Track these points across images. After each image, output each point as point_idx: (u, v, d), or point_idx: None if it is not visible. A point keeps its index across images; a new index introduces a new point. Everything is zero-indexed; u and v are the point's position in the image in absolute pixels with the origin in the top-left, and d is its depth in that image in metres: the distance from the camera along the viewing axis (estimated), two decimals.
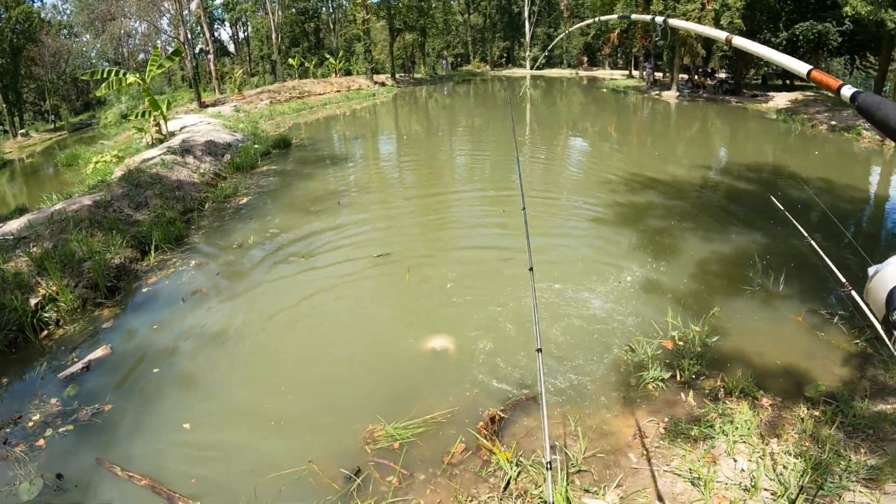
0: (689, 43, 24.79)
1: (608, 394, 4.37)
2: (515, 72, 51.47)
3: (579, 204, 9.66)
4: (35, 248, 6.91)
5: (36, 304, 5.94)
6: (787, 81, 26.10)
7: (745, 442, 3.67)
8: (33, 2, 33.85)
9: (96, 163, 13.00)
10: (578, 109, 27.30)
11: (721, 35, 1.52)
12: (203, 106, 25.83)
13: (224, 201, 10.62)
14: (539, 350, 1.60)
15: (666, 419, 4.01)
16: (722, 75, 28.84)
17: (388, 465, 3.65)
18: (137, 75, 15.64)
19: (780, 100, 21.64)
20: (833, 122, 16.38)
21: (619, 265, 6.81)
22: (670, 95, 27.12)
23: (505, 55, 57.74)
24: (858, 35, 20.39)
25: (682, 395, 4.32)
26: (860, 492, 3.19)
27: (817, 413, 3.97)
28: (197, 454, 3.91)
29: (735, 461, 3.51)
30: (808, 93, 22.49)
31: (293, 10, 48.08)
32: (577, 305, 5.72)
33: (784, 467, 3.40)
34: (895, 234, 8.54)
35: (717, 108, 23.39)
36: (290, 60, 39.89)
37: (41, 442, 4.04)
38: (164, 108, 16.21)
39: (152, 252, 7.75)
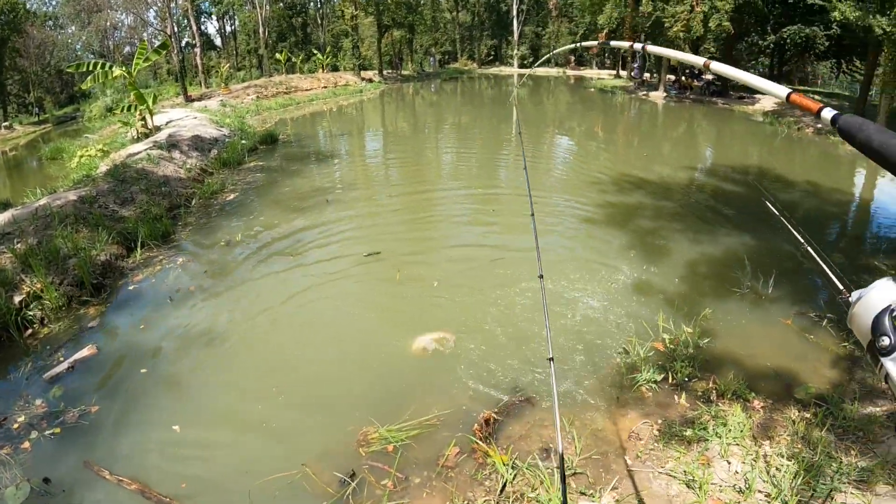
0: (677, 44, 24.94)
1: (602, 396, 4.38)
2: (503, 70, 51.51)
3: (570, 203, 9.69)
4: (19, 245, 6.76)
5: (20, 302, 5.80)
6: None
7: (738, 444, 3.69)
8: None
9: (81, 157, 12.77)
10: (566, 109, 27.40)
11: (699, 61, 1.51)
12: (189, 100, 25.50)
13: (211, 197, 10.50)
14: (551, 359, 1.58)
15: (660, 421, 4.03)
16: (709, 77, 29.05)
17: (382, 469, 3.62)
18: (123, 68, 15.37)
19: (767, 102, 21.88)
20: (818, 126, 16.60)
21: (610, 266, 6.83)
22: (657, 96, 27.32)
23: (493, 53, 57.76)
24: (846, 39, 20.69)
25: (675, 397, 4.34)
26: (852, 493, 3.23)
27: (808, 415, 4.01)
28: (187, 457, 3.84)
29: (729, 463, 3.53)
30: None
31: (281, 4, 47.60)
32: (570, 306, 5.73)
33: (777, 469, 3.43)
34: (879, 236, 8.67)
35: (703, 110, 23.61)
36: (277, 55, 39.49)
37: (26, 444, 3.94)
38: (151, 102, 15.97)
39: (138, 249, 7.62)
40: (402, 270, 6.78)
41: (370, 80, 37.73)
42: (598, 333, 5.25)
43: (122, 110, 16.60)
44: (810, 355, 4.97)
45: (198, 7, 42.73)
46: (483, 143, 17.28)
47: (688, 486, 3.34)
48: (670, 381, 4.52)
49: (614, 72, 40.71)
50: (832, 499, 3.21)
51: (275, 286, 6.60)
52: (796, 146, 16.26)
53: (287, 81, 32.32)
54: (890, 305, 0.83)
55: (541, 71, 46.14)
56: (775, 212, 2.58)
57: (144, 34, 37.61)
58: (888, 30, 13.36)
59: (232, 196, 10.65)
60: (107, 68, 14.92)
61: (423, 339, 5.21)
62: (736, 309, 5.81)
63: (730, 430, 3.78)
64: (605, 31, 31.50)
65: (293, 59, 40.15)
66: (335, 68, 43.30)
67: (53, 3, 41.97)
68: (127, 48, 42.55)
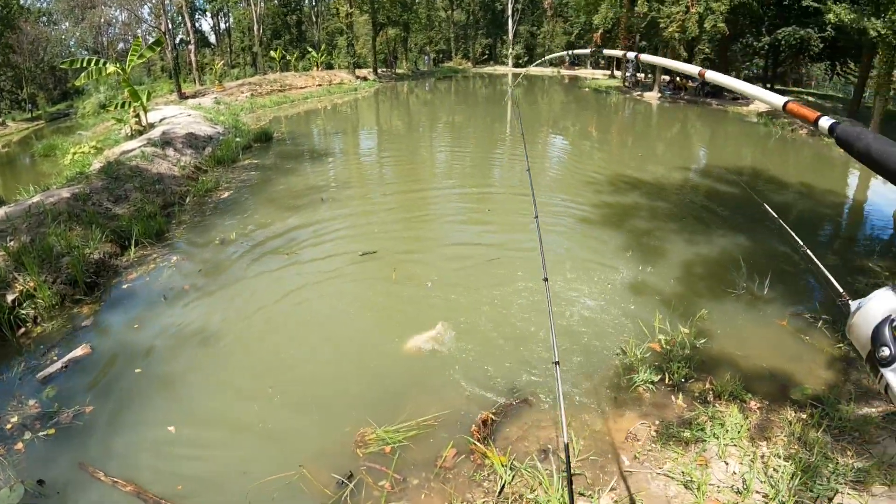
0: (672, 45, 25.05)
1: (600, 396, 4.38)
2: (498, 69, 51.53)
3: (566, 203, 9.69)
4: (12, 242, 6.68)
5: (13, 301, 5.74)
6: (768, 85, 26.55)
7: (735, 445, 3.70)
8: None
9: (74, 154, 12.68)
10: (560, 108, 27.43)
11: (693, 70, 1.50)
12: (183, 97, 25.37)
13: (205, 195, 10.44)
14: (556, 363, 1.57)
15: (657, 422, 4.03)
16: None
17: (380, 470, 3.60)
18: (117, 65, 15.26)
19: (761, 103, 21.96)
20: (812, 127, 16.69)
21: (607, 266, 6.84)
22: (652, 96, 27.43)
23: (487, 52, 57.79)
24: (840, 42, 20.84)
25: (672, 397, 4.34)
26: (848, 494, 3.24)
27: (804, 416, 4.03)
28: (183, 458, 3.80)
29: (726, 464, 3.54)
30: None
31: (275, 1, 47.46)
32: (567, 306, 5.73)
33: (774, 470, 3.44)
34: (872, 238, 8.72)
35: (697, 110, 23.72)
36: (272, 53, 39.36)
37: (20, 445, 3.89)
38: (145, 99, 15.86)
39: (132, 247, 7.56)
40: (397, 270, 6.76)
41: (365, 79, 37.68)
42: (595, 334, 5.25)
43: (115, 107, 16.51)
44: (805, 356, 4.99)
45: (192, 4, 42.48)
46: (477, 142, 17.29)
47: (686, 487, 3.35)
48: (667, 381, 4.53)
49: (608, 72, 40.83)
50: (829, 499, 3.23)
51: (270, 285, 6.57)
52: (790, 147, 16.35)
53: (281, 79, 32.22)
54: (890, 316, 0.82)
55: (535, 70, 46.22)
56: (774, 215, 2.59)
57: (138, 31, 37.43)
58: (883, 32, 13.45)
59: (226, 194, 10.59)
60: (101, 65, 14.80)
61: (419, 338, 5.19)
62: (731, 310, 5.83)
63: (727, 431, 3.79)
64: (600, 31, 31.62)
65: (288, 57, 40.02)
66: (330, 66, 43.21)
67: None
68: (121, 45, 42.34)
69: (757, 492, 3.28)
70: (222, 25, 52.61)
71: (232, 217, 9.12)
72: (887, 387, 0.80)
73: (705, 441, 3.74)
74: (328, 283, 6.56)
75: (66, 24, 42.30)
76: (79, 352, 5.08)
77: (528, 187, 3.27)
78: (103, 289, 6.59)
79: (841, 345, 5.04)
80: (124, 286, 6.67)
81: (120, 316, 5.99)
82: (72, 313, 5.98)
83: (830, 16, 14.61)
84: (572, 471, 3.52)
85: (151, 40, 18.05)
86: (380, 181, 12.77)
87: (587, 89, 33.49)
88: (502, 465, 3.50)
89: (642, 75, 32.22)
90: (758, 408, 4.17)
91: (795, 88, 31.49)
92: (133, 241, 7.61)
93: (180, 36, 44.62)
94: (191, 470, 3.69)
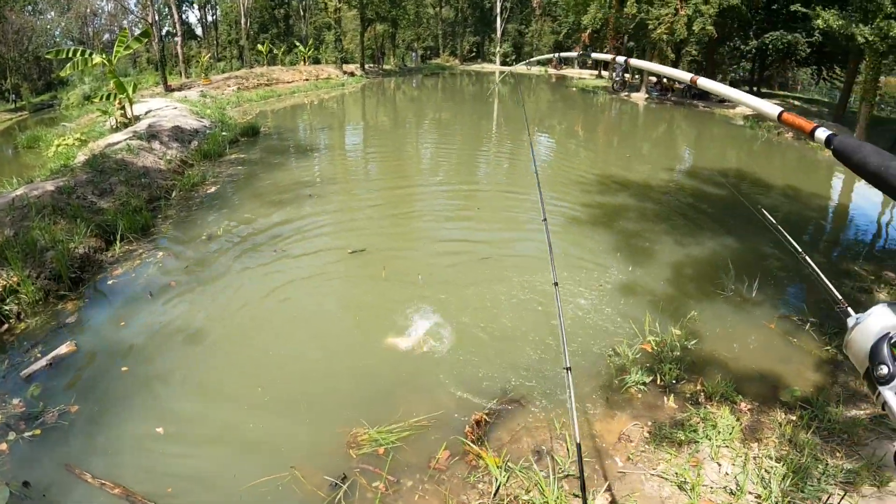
0: (660, 46, 25.22)
1: (592, 397, 4.39)
2: (485, 67, 51.54)
3: (555, 203, 9.70)
4: None
5: None
6: (755, 88, 26.84)
7: (727, 446, 3.74)
8: None
9: (58, 146, 12.40)
10: (547, 108, 27.49)
11: (685, 76, 1.49)
12: (169, 90, 24.98)
13: (191, 190, 10.29)
14: (568, 368, 1.55)
15: (649, 423, 4.05)
16: None
17: (373, 471, 3.57)
18: (103, 56, 14.97)
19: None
20: (808, 138, 16.92)
21: (599, 267, 6.86)
22: (639, 97, 27.60)
23: (475, 50, 57.75)
24: (827, 47, 21.11)
25: (664, 398, 4.37)
26: (839, 494, 3.28)
27: (794, 418, 4.07)
28: (171, 460, 3.73)
29: (719, 465, 3.57)
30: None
31: None
32: (561, 306, 5.72)
33: (766, 471, 3.47)
34: (858, 241, 8.85)
35: (684, 112, 23.91)
36: (259, 46, 38.91)
37: (4, 446, 3.78)
38: (130, 91, 15.60)
39: (118, 242, 7.42)
40: (387, 267, 6.71)
41: (352, 74, 37.42)
42: (587, 335, 5.26)
43: (100, 99, 16.18)
44: (794, 358, 5.06)
45: None
46: (464, 139, 17.29)
47: (680, 488, 3.37)
48: (658, 382, 4.55)
49: (596, 72, 41.00)
50: (820, 500, 3.26)
51: (257, 281, 6.49)
52: (776, 150, 16.56)
53: (268, 73, 31.86)
54: (889, 333, 0.82)
55: (521, 69, 46.27)
56: (773, 222, 2.60)
57: (125, 21, 36.79)
58: (870, 39, 13.64)
59: (213, 188, 10.45)
60: (86, 55, 14.51)
61: (409, 337, 5.17)
62: (720, 311, 5.88)
63: (719, 433, 3.81)
64: (588, 31, 31.69)
65: (275, 51, 39.62)
66: (317, 61, 42.85)
67: None
68: (107, 35, 41.60)
69: (749, 492, 3.31)
70: (209, 18, 51.93)
71: (218, 212, 9.00)
72: (885, 404, 0.79)
73: (698, 442, 3.76)
74: (317, 281, 6.50)
75: (52, 13, 41.48)
76: (63, 349, 4.97)
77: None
78: (88, 284, 6.46)
79: (828, 347, 5.11)
80: (109, 282, 6.55)
81: (105, 312, 5.88)
82: (56, 309, 5.85)
83: (819, 21, 14.79)
84: (566, 472, 3.52)
85: (138, 31, 17.76)
86: (366, 177, 12.70)
87: (574, 89, 33.61)
88: (497, 467, 3.49)
89: (629, 76, 32.38)
90: (748, 409, 4.21)
91: (781, 92, 31.89)
92: (118, 236, 7.47)
93: (167, 28, 44.01)
94: (180, 471, 3.62)
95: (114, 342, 5.25)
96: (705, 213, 9.39)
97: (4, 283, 5.77)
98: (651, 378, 4.55)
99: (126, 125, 14.70)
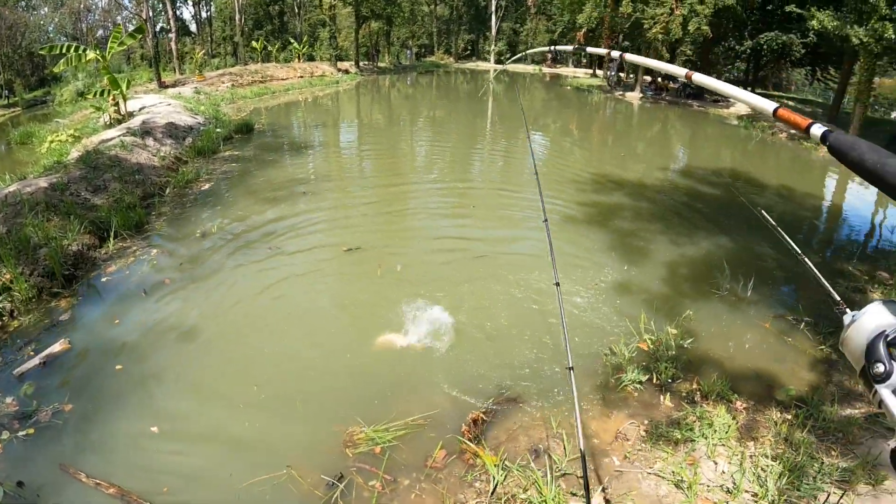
0: (654, 46, 25.27)
1: (589, 396, 4.39)
2: (480, 65, 51.51)
3: (551, 201, 9.68)
4: None
5: None
6: (749, 88, 26.93)
7: (724, 445, 3.74)
8: None
9: (51, 142, 12.31)
10: (542, 106, 27.48)
11: (681, 72, 1.48)
12: (163, 86, 24.81)
13: (185, 187, 10.24)
14: (570, 368, 1.54)
15: (646, 422, 4.05)
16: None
17: (370, 470, 3.55)
18: (97, 52, 14.85)
19: (741, 106, 22.27)
20: (792, 131, 16.99)
21: (594, 265, 6.87)
22: (633, 96, 27.65)
23: (469, 48, 57.69)
24: (822, 48, 21.22)
25: (661, 397, 4.37)
26: (834, 493, 3.30)
27: (789, 417, 4.09)
28: (167, 458, 3.70)
29: (716, 464, 3.58)
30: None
31: None
32: (556, 305, 5.72)
33: (762, 470, 3.48)
34: (852, 240, 8.90)
35: (678, 111, 23.97)
36: (254, 43, 38.72)
37: None
38: (124, 87, 15.49)
39: (111, 239, 7.37)
40: (382, 265, 6.70)
41: (346, 72, 37.32)
42: (583, 333, 5.26)
43: (94, 95, 16.06)
44: (789, 358, 5.07)
45: None
46: (458, 136, 17.27)
47: (677, 487, 3.37)
48: (654, 381, 4.56)
49: (591, 71, 41.02)
50: (815, 498, 3.28)
51: (252, 279, 6.46)
52: (770, 150, 16.63)
53: (263, 70, 31.72)
54: (884, 331, 0.81)
55: (517, 67, 46.24)
56: (773, 223, 2.60)
57: (119, 17, 36.52)
58: (865, 40, 13.72)
59: (207, 185, 10.40)
60: (80, 51, 14.39)
61: (405, 336, 5.15)
62: (716, 311, 5.89)
63: (715, 431, 3.82)
64: (583, 30, 31.73)
65: (269, 48, 39.47)
66: (311, 58, 42.67)
67: None
68: (100, 31, 41.25)
69: (746, 491, 3.32)
70: (203, 14, 51.58)
71: (212, 209, 8.95)
72: (881, 402, 0.79)
73: (694, 441, 3.77)
74: (312, 279, 6.47)
75: (45, 9, 41.10)
76: (57, 347, 4.93)
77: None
78: (82, 282, 6.41)
79: (823, 347, 5.13)
80: (103, 279, 6.50)
81: (99, 310, 5.83)
82: (49, 307, 5.80)
83: (814, 22, 14.86)
84: (563, 471, 3.52)
85: (132, 27, 17.63)
86: (361, 174, 12.67)
87: (569, 87, 33.62)
88: (494, 465, 3.48)
89: (623, 75, 32.43)
90: (744, 408, 4.22)
91: (776, 92, 32.05)
92: (112, 233, 7.42)
93: (161, 24, 43.69)
94: (175, 470, 3.60)
95: (107, 340, 5.21)
96: (700, 212, 9.41)
97: None
98: (647, 377, 4.56)
99: (120, 121, 14.60)
